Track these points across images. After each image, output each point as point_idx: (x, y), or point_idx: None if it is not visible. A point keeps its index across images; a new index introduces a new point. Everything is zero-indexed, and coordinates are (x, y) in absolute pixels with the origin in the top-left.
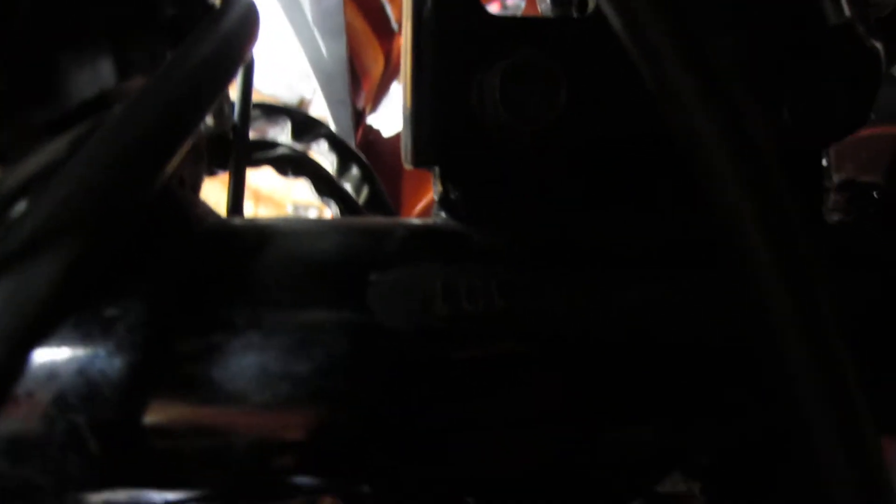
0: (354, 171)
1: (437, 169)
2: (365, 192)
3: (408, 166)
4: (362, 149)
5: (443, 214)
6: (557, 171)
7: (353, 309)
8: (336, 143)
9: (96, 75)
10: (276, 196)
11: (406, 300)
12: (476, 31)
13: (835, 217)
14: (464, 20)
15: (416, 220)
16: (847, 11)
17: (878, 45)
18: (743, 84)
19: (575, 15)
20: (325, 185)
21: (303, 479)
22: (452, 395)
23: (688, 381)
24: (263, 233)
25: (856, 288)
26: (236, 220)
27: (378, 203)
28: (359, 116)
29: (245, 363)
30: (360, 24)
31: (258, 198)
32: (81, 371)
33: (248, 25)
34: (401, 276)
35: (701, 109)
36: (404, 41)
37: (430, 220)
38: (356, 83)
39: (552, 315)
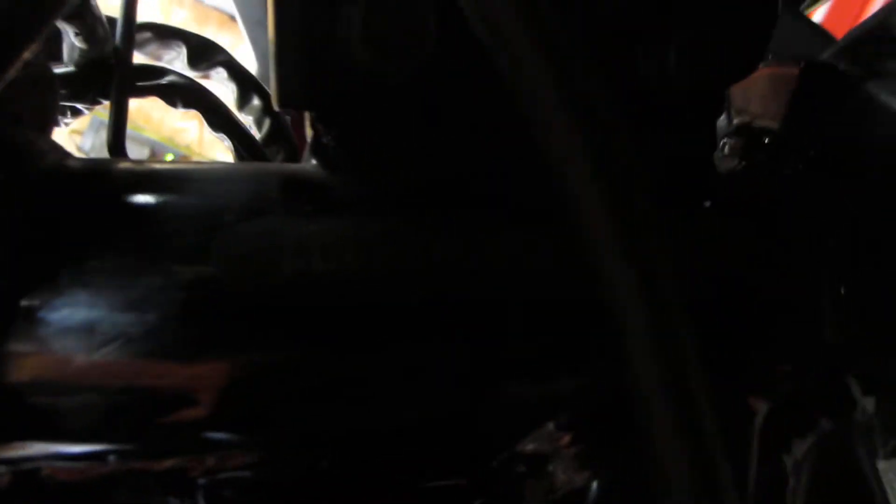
0: (255, 101)
1: (307, 113)
2: (266, 124)
3: (276, 108)
4: None
5: (314, 161)
6: (432, 114)
7: (195, 264)
8: (236, 72)
9: None
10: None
11: (252, 255)
12: None
13: (729, 163)
14: None
15: (286, 167)
16: None
17: None
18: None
19: None
20: (217, 119)
21: (142, 442)
22: (293, 354)
23: (549, 338)
24: (110, 177)
25: (738, 237)
26: (84, 162)
27: (279, 137)
28: None
29: (71, 322)
30: None
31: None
32: None
33: None
34: (251, 229)
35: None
36: None
37: (299, 167)
38: None
39: (409, 276)
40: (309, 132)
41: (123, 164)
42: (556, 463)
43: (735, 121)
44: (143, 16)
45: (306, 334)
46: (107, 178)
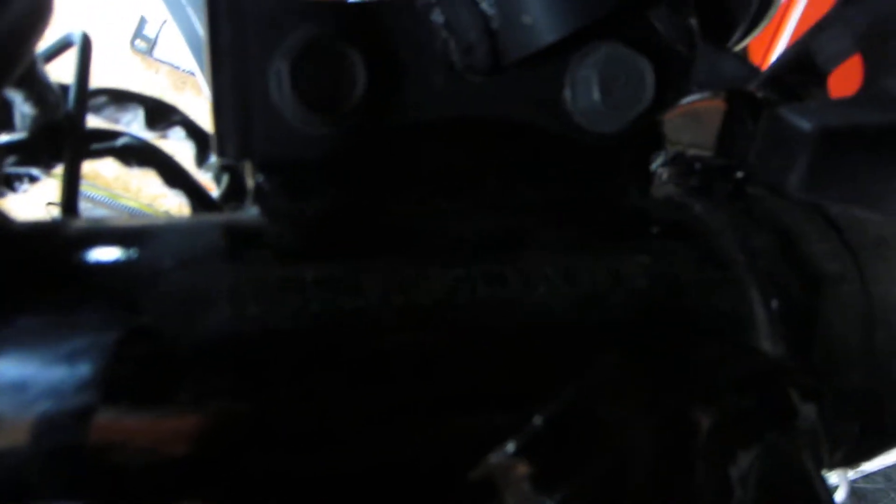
0: (213, 159)
1: (246, 162)
2: (224, 180)
3: (215, 157)
4: None
5: (254, 209)
6: (366, 157)
7: (127, 314)
8: (193, 130)
9: None
10: None
11: (186, 302)
12: (272, 14)
13: (666, 190)
14: (259, 3)
15: (228, 216)
16: None
17: (692, 23)
18: None
19: None
20: (173, 177)
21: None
22: (239, 403)
23: (493, 364)
24: (51, 236)
25: (674, 258)
26: (28, 224)
27: (237, 192)
28: None
29: (3, 378)
30: None
31: None
32: None
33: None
34: (184, 277)
35: None
36: (203, 27)
37: (239, 216)
38: None
39: (346, 316)
40: (249, 180)
41: (67, 224)
42: (508, 491)
43: (671, 150)
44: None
45: (238, 382)
46: (48, 237)
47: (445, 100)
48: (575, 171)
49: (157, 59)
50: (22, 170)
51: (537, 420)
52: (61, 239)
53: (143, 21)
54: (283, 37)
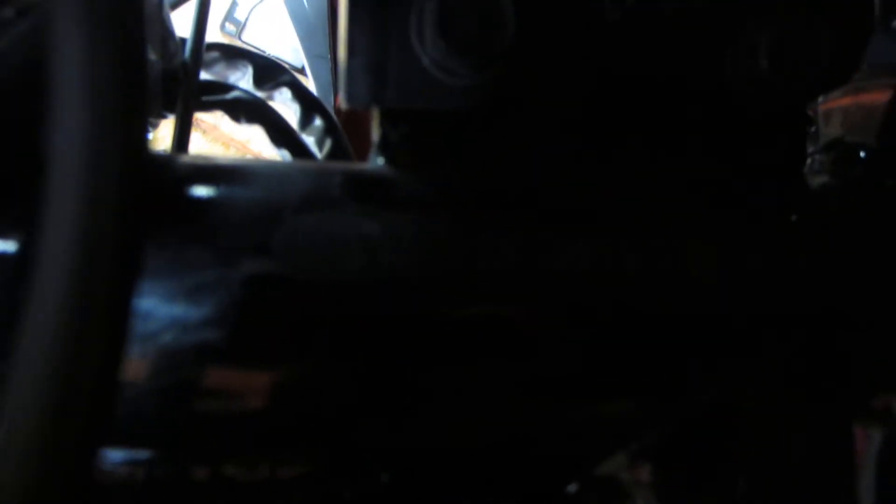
0: (317, 122)
1: (375, 110)
2: (328, 145)
3: (344, 106)
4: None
5: (380, 161)
6: (506, 113)
7: (254, 256)
8: (300, 93)
9: None
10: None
11: (315, 248)
12: None
13: (819, 179)
14: None
15: (351, 165)
16: None
17: None
18: None
19: None
20: (280, 135)
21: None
22: (362, 353)
23: (630, 352)
24: (171, 168)
25: (835, 254)
26: (161, 155)
27: (341, 157)
28: None
29: None
30: None
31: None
32: None
33: None
34: (313, 222)
35: None
36: None
37: (363, 165)
38: None
39: (479, 273)
40: (375, 130)
41: (184, 158)
42: (634, 493)
43: (823, 139)
44: None
45: (366, 336)
46: (167, 169)
47: (593, 52)
48: (725, 146)
49: (245, 43)
50: None
51: (675, 419)
52: (185, 172)
53: (234, 4)
54: None
